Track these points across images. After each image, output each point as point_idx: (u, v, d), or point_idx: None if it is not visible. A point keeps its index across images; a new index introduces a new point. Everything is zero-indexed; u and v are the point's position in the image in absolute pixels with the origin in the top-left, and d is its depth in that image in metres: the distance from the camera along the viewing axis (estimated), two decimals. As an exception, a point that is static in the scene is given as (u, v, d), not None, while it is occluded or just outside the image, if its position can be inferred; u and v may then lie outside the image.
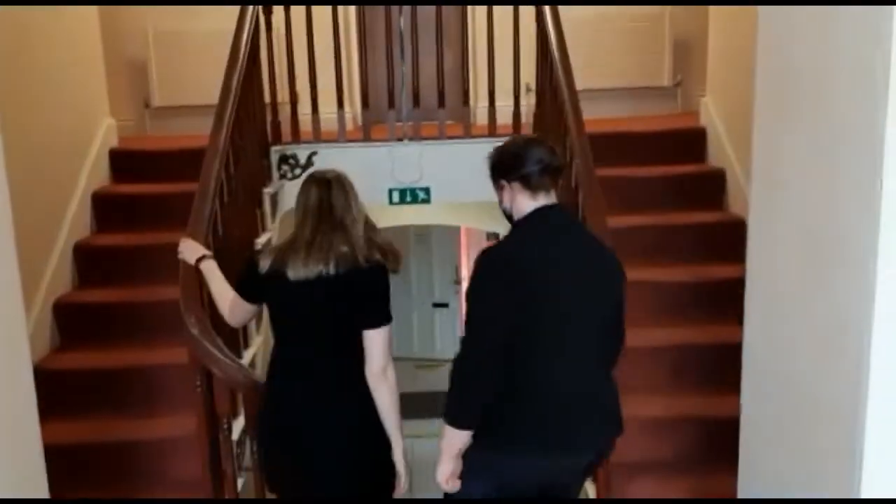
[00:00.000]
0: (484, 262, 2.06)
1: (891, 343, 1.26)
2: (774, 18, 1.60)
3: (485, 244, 10.44)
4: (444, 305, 10.86)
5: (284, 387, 2.30)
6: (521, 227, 2.11)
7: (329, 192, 2.34)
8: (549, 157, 2.11)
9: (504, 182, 2.12)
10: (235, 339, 3.11)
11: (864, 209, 1.25)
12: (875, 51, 1.21)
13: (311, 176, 2.46)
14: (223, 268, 2.97)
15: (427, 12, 4.03)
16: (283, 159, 4.10)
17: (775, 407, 1.70)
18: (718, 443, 1.97)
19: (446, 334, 10.81)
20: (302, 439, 2.25)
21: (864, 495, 1.32)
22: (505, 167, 2.12)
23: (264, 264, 2.31)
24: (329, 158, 4.14)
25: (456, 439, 2.04)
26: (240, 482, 2.77)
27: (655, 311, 3.32)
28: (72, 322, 3.46)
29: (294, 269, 2.22)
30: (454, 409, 2.03)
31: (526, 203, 2.10)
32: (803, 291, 1.51)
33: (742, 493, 1.93)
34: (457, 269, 10.74)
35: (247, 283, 2.42)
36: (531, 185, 2.07)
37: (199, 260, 2.62)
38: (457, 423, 2.03)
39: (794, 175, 1.53)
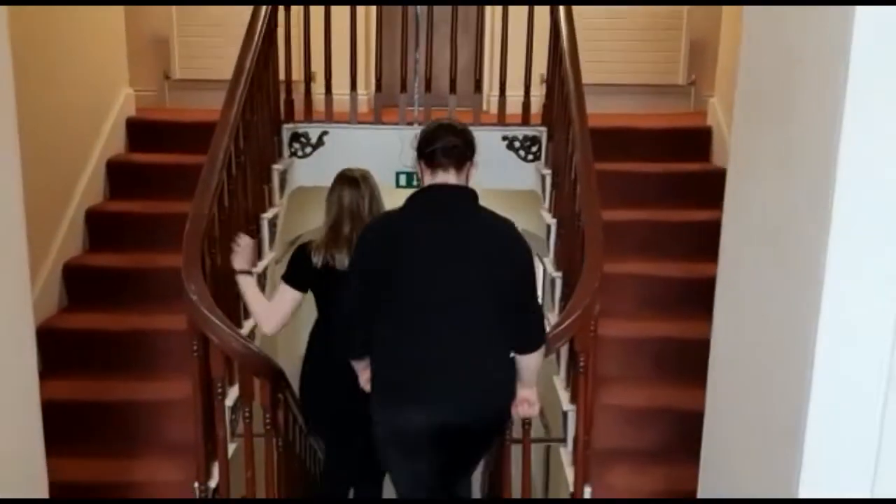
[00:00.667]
0: (364, 228, 2.44)
1: (834, 342, 1.31)
2: (755, 19, 1.65)
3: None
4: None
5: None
6: (409, 200, 2.34)
7: (358, 192, 2.83)
8: (453, 140, 2.30)
9: (417, 159, 2.36)
10: (236, 311, 3.21)
11: (817, 214, 1.31)
12: (837, 61, 1.27)
13: (342, 176, 2.94)
14: (227, 238, 3.08)
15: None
16: (295, 137, 4.19)
17: (734, 402, 1.76)
18: (695, 434, 2.04)
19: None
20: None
21: (803, 494, 1.38)
22: (418, 146, 2.35)
23: (317, 259, 2.71)
24: (340, 139, 4.23)
25: (359, 366, 2.40)
26: (231, 447, 2.87)
27: (642, 304, 3.40)
28: (80, 284, 3.57)
29: (342, 262, 2.65)
30: (341, 347, 2.42)
31: (426, 179, 2.33)
32: (763, 290, 1.57)
33: (702, 488, 2.00)
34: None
35: (301, 273, 2.77)
36: (431, 165, 2.29)
37: (241, 272, 2.89)
38: (347, 357, 2.41)
39: (761, 177, 1.59)
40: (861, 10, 1.21)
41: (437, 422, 2.24)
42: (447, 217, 2.29)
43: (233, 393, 2.91)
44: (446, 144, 2.29)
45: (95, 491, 2.81)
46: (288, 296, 2.74)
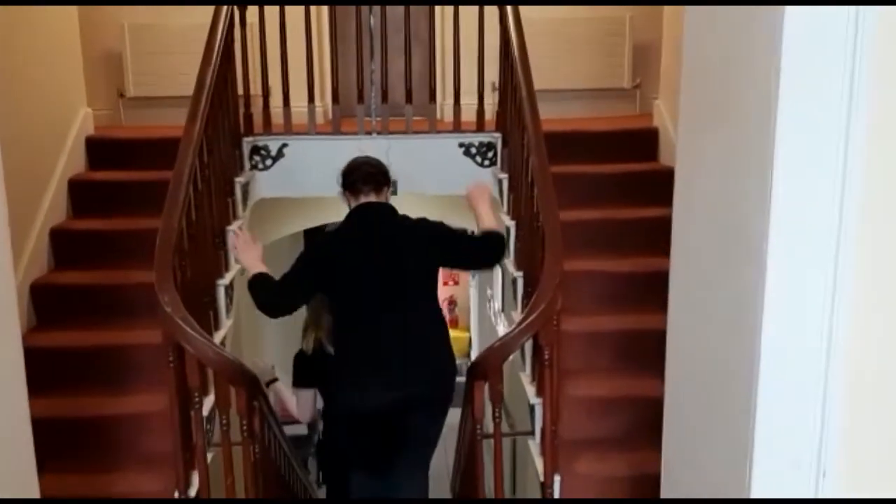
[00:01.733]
0: (316, 243, 3.12)
1: (778, 326, 1.43)
2: (693, 20, 1.78)
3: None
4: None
5: None
6: (347, 218, 2.96)
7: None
8: (370, 170, 2.96)
9: (342, 189, 2.99)
10: (207, 321, 3.27)
11: (758, 207, 1.43)
12: (769, 59, 1.39)
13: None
14: (195, 251, 3.14)
15: (397, 12, 4.20)
16: (255, 150, 4.25)
17: (690, 388, 1.89)
18: (656, 420, 2.16)
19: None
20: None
21: (756, 469, 1.50)
22: (343, 179, 2.99)
23: (307, 346, 3.32)
24: (299, 150, 4.31)
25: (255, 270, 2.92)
26: (209, 456, 2.92)
27: (600, 299, 3.54)
28: (48, 303, 3.58)
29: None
30: (263, 302, 2.89)
31: (352, 203, 2.96)
32: (711, 280, 1.70)
33: (665, 470, 2.12)
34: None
35: (304, 375, 3.33)
36: (354, 192, 2.94)
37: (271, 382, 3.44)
38: (256, 296, 2.89)
39: (706, 175, 1.73)
40: (790, 10, 1.31)
41: (389, 400, 2.79)
42: (377, 226, 2.89)
43: (208, 402, 2.98)
44: (366, 173, 2.93)
45: (76, 505, 2.84)
46: (305, 395, 3.33)
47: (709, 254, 1.73)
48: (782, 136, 1.38)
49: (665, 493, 2.04)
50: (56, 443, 3.01)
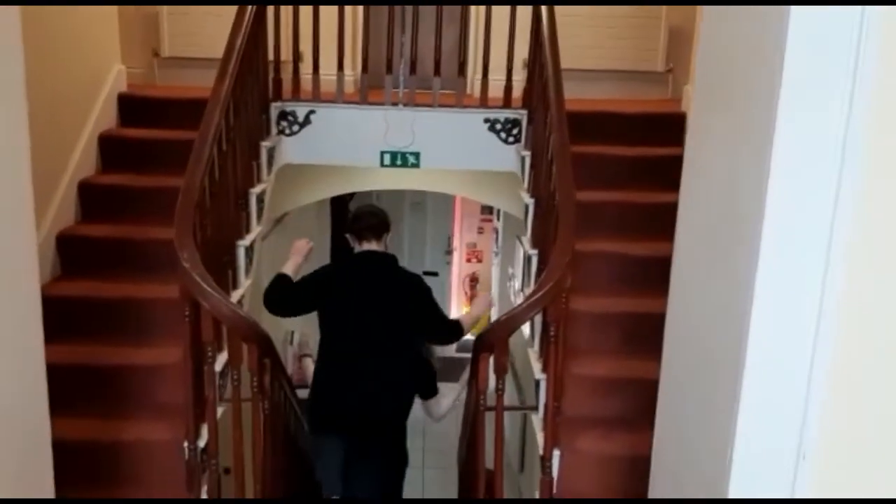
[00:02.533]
0: (322, 267, 3.47)
1: (766, 311, 1.45)
2: (708, 13, 1.79)
3: (479, 217, 10.67)
4: (434, 274, 11.09)
5: None
6: (350, 259, 3.41)
7: None
8: (373, 221, 3.34)
9: (350, 234, 3.39)
10: (225, 280, 3.35)
11: (754, 193, 1.46)
12: (773, 55, 1.41)
13: None
14: (217, 210, 3.21)
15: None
16: (283, 115, 4.30)
17: (684, 374, 1.92)
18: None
19: (436, 302, 11.04)
20: None
21: (735, 466, 1.52)
22: (350, 225, 3.41)
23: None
24: (326, 118, 4.36)
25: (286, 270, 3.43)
26: (220, 410, 3.00)
27: (613, 281, 3.56)
28: (73, 254, 3.68)
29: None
30: (268, 297, 3.34)
31: (356, 247, 3.37)
32: (709, 269, 1.72)
33: (655, 450, 2.15)
34: (449, 240, 10.94)
35: None
36: (359, 238, 3.34)
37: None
38: (267, 301, 3.37)
39: (710, 158, 1.75)
40: (795, 10, 1.34)
41: (359, 421, 3.27)
42: (371, 276, 3.31)
43: (221, 359, 3.05)
44: (369, 224, 3.32)
45: (89, 449, 2.95)
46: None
47: (707, 237, 1.75)
48: (783, 124, 1.40)
49: (654, 471, 2.08)
50: (72, 388, 3.11)
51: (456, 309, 11.05)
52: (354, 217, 3.38)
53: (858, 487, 1.48)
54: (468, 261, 10.97)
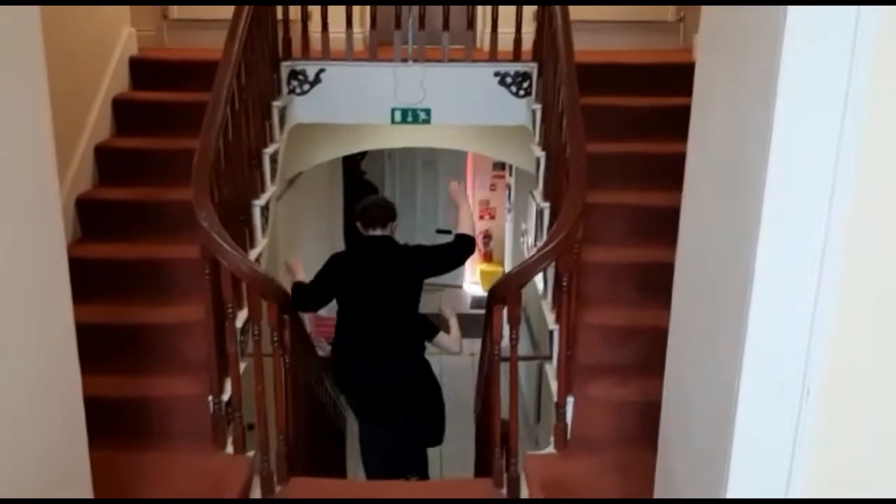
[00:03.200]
0: (332, 257, 3.73)
1: (773, 256, 1.48)
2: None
3: (491, 174, 10.66)
4: (448, 232, 11.12)
5: None
6: (357, 245, 3.82)
7: None
8: (379, 211, 3.65)
9: (359, 222, 3.68)
10: (242, 238, 3.41)
11: (759, 138, 1.47)
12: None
13: None
14: (231, 171, 3.25)
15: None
16: (293, 74, 4.32)
17: (693, 317, 1.95)
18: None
19: (449, 260, 11.11)
20: None
21: (742, 402, 1.57)
22: (358, 215, 3.69)
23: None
24: (337, 76, 4.37)
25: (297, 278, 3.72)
26: (241, 366, 3.08)
27: (626, 232, 3.59)
28: (92, 217, 3.74)
29: None
30: (297, 306, 3.54)
31: (364, 232, 3.66)
32: (718, 216, 1.75)
33: (666, 395, 2.20)
34: (462, 197, 10.95)
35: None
36: (366, 226, 3.64)
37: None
38: (298, 309, 3.60)
39: (716, 107, 1.77)
40: None
41: (368, 378, 3.68)
42: (381, 255, 3.63)
43: (242, 316, 3.13)
44: (376, 215, 3.63)
45: (118, 405, 3.04)
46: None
47: (714, 183, 1.78)
48: (786, 70, 1.41)
49: (664, 412, 2.13)
50: (96, 347, 3.19)
51: (470, 266, 11.11)
52: (364, 208, 3.69)
53: (862, 422, 1.53)
54: (481, 218, 10.99)
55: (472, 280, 11.05)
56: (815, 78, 1.39)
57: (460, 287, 10.97)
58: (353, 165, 9.65)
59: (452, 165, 10.77)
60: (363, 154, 9.35)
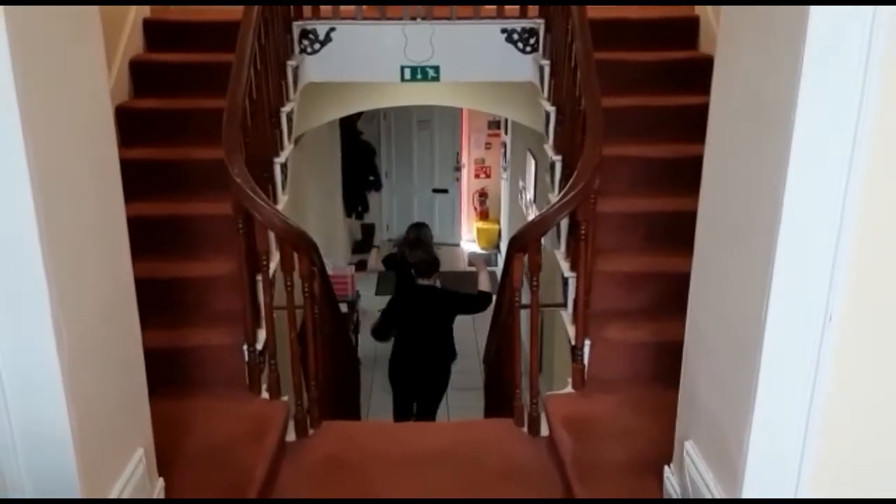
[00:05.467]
0: (391, 303, 5.05)
1: (801, 189, 1.61)
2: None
3: (486, 133, 10.73)
4: (444, 191, 11.23)
5: None
6: (410, 292, 4.94)
7: None
8: (429, 267, 4.82)
9: (411, 269, 4.87)
10: (266, 195, 3.51)
11: (788, 79, 1.60)
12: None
13: None
14: (254, 130, 3.35)
15: None
16: (304, 34, 4.39)
17: (716, 258, 2.09)
18: (681, 293, 2.37)
19: (445, 219, 11.22)
20: None
21: (769, 325, 1.71)
22: (413, 265, 4.87)
23: None
24: (346, 35, 4.43)
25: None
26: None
27: (636, 183, 3.72)
28: (117, 177, 3.83)
29: None
30: (375, 334, 5.29)
31: (416, 280, 4.83)
32: (743, 159, 1.87)
33: (688, 334, 2.34)
34: (457, 156, 11.03)
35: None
36: (418, 275, 4.82)
37: None
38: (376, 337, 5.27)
39: (742, 60, 1.89)
40: None
41: (411, 378, 4.99)
42: (425, 301, 4.83)
43: (272, 264, 3.25)
44: (429, 269, 4.81)
45: (158, 355, 3.15)
46: None
47: (741, 125, 1.90)
48: (814, 17, 1.53)
49: (687, 340, 2.28)
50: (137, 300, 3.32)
51: (467, 225, 11.25)
52: (418, 262, 4.81)
53: (882, 346, 1.69)
54: (477, 176, 11.10)
55: (469, 238, 11.20)
56: (846, 14, 1.50)
57: (457, 245, 11.13)
58: (350, 126, 9.70)
59: (447, 124, 10.84)
60: (359, 115, 9.39)
